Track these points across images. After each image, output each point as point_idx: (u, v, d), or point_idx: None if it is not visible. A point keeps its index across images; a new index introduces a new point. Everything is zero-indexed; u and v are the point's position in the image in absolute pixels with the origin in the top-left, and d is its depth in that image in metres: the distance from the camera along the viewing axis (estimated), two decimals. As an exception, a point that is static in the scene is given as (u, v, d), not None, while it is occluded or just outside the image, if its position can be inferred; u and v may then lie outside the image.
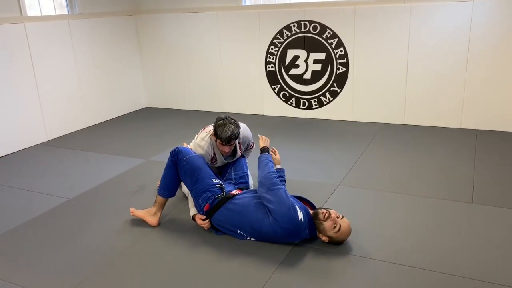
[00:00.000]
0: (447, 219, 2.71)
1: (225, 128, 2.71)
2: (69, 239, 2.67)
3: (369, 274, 2.21)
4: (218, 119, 2.78)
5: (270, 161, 2.68)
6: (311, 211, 2.48)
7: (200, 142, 2.91)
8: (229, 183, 2.83)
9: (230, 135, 2.70)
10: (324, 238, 2.41)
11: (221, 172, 3.04)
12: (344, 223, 2.39)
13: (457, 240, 2.48)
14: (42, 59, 4.59)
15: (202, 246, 2.52)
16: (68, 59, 4.89)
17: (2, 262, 2.46)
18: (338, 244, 2.44)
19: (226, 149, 2.80)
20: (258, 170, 2.65)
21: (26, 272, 2.36)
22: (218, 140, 2.78)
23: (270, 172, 2.54)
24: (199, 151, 2.87)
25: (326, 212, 2.39)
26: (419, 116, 4.58)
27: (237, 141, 2.91)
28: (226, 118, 2.75)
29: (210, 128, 2.97)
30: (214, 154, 2.92)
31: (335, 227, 2.36)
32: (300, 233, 2.41)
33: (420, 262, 2.27)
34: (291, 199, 2.45)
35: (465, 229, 2.59)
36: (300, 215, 2.38)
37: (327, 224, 2.37)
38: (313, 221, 2.43)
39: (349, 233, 2.43)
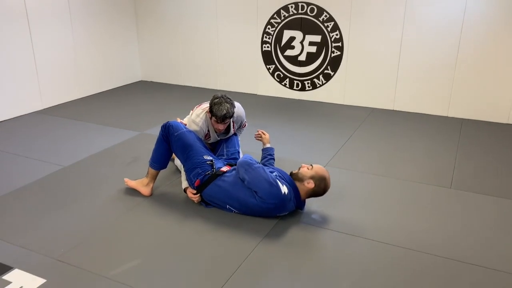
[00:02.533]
0: (425, 202, 2.86)
1: (220, 107, 2.80)
2: (64, 205, 2.79)
3: (348, 249, 2.36)
4: (214, 97, 2.86)
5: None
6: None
7: (195, 118, 3.00)
8: (220, 159, 2.95)
9: (225, 114, 2.80)
10: (309, 184, 2.55)
11: (214, 148, 3.15)
12: (314, 165, 2.62)
13: (432, 221, 2.63)
14: (40, 29, 4.61)
15: (191, 217, 2.65)
16: (66, 29, 4.91)
17: (1, 223, 2.57)
18: (324, 188, 2.58)
19: (220, 126, 2.90)
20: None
21: (23, 233, 2.47)
22: (213, 118, 2.87)
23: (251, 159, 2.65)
24: (194, 127, 2.96)
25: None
26: (409, 102, 4.70)
27: (231, 119, 3.01)
28: (222, 97, 2.84)
29: (205, 105, 3.06)
30: (208, 131, 3.02)
31: (308, 168, 2.59)
32: (286, 205, 2.54)
33: (396, 240, 2.42)
34: (272, 174, 2.56)
35: (441, 212, 2.74)
36: (284, 189, 2.50)
37: (302, 170, 2.60)
38: (298, 191, 2.57)
39: (324, 169, 2.60)
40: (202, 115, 2.99)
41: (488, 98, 4.36)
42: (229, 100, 2.86)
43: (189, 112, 3.24)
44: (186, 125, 3.08)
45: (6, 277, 2.11)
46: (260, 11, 5.06)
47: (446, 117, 4.55)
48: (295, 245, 2.40)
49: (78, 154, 3.58)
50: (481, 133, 4.11)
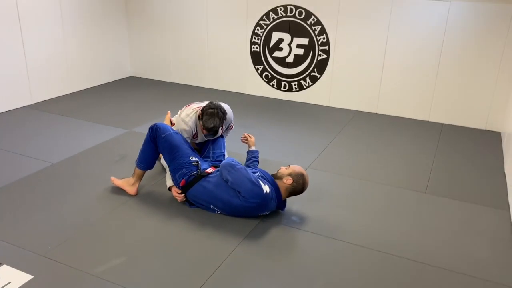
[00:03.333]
0: (399, 206, 2.99)
1: (211, 119, 2.89)
2: (52, 202, 2.87)
3: (324, 251, 2.48)
4: (209, 106, 2.93)
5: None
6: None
7: (185, 117, 3.09)
8: (206, 160, 3.05)
9: (212, 127, 2.90)
10: (287, 181, 2.69)
11: (200, 149, 3.25)
12: (291, 165, 2.79)
13: (404, 225, 2.76)
14: (30, 23, 4.65)
15: (175, 217, 2.75)
16: (56, 25, 4.95)
17: (-12, 219, 2.66)
18: (303, 184, 2.73)
19: (205, 132, 3.00)
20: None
21: (11, 229, 2.56)
22: (201, 123, 2.96)
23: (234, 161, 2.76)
24: (183, 126, 3.05)
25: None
26: (391, 106, 4.84)
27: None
28: (216, 109, 2.91)
29: (195, 106, 3.14)
30: (197, 131, 3.12)
31: (286, 168, 2.75)
32: (268, 204, 2.65)
33: (369, 243, 2.55)
34: (254, 174, 2.67)
35: (414, 216, 2.87)
36: (266, 188, 2.61)
37: (281, 169, 2.77)
38: (279, 190, 2.69)
39: (300, 167, 2.77)
40: (192, 115, 3.08)
41: (467, 103, 4.51)
42: (221, 114, 2.93)
43: (178, 112, 3.33)
44: (175, 123, 3.18)
45: (-5, 272, 2.20)
46: (250, 12, 5.15)
47: (427, 122, 4.70)
48: (274, 246, 2.51)
49: (66, 151, 3.65)
50: (460, 139, 4.25)
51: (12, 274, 2.19)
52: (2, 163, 3.42)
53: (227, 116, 3.12)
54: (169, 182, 2.94)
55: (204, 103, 3.09)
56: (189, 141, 3.08)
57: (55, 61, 5.03)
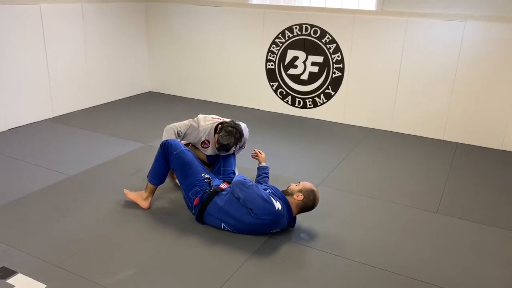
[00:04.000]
0: (411, 226, 2.98)
1: (227, 137, 2.99)
2: (67, 213, 2.96)
3: (332, 270, 2.49)
4: (230, 125, 3.04)
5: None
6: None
7: (202, 120, 3.17)
8: (217, 177, 3.08)
9: (225, 144, 2.99)
10: (298, 197, 2.72)
11: (211, 164, 3.31)
12: (301, 182, 2.82)
13: (414, 246, 2.75)
14: (54, 39, 4.83)
15: (185, 231, 2.79)
16: (79, 40, 5.13)
17: (8, 229, 2.75)
18: (313, 200, 2.75)
19: (217, 145, 3.07)
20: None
21: (28, 239, 2.65)
22: (216, 137, 3.04)
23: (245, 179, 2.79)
24: (192, 123, 3.13)
25: None
26: (406, 124, 4.83)
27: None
28: (236, 130, 3.02)
29: (216, 119, 3.22)
30: (208, 141, 3.18)
31: (297, 185, 2.78)
32: (280, 221, 2.66)
33: (378, 262, 2.55)
34: (265, 191, 2.70)
35: (424, 236, 2.86)
36: (277, 205, 2.63)
37: (292, 185, 2.80)
38: (290, 206, 2.72)
39: (310, 184, 2.80)
40: (209, 124, 3.15)
41: (483, 123, 4.48)
42: (238, 135, 3.03)
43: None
44: (182, 126, 3.19)
45: (10, 281, 2.28)
46: (266, 31, 5.24)
47: (442, 141, 4.67)
48: (282, 263, 2.53)
49: (84, 163, 3.75)
50: (474, 159, 4.22)
51: (26, 283, 2.27)
52: (21, 175, 3.54)
53: (243, 135, 3.20)
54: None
55: (225, 119, 3.18)
56: (178, 139, 3.09)
57: (76, 76, 5.19)
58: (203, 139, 3.18)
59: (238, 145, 3.23)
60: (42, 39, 4.71)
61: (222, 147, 3.00)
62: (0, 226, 2.78)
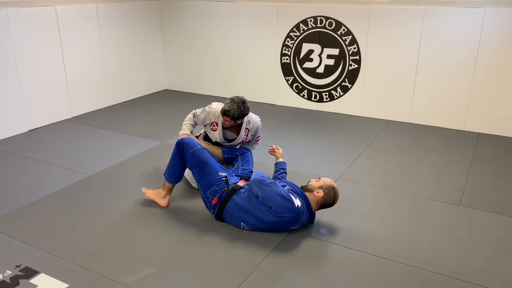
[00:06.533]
0: (433, 219, 2.91)
1: (229, 104, 3.04)
2: (87, 213, 2.98)
3: (354, 265, 2.46)
4: (236, 96, 3.09)
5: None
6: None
7: (215, 105, 3.27)
8: (234, 175, 3.06)
9: (227, 110, 3.01)
10: (318, 193, 2.68)
11: (230, 163, 3.30)
12: (322, 177, 2.79)
13: (437, 239, 2.69)
14: (70, 40, 4.88)
15: (204, 229, 2.79)
16: (94, 40, 5.17)
17: (30, 230, 2.79)
18: (334, 197, 2.71)
19: (226, 122, 3.10)
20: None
21: (49, 239, 2.68)
22: (221, 110, 3.09)
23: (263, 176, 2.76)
24: (206, 108, 3.26)
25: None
26: (425, 115, 4.74)
27: (245, 124, 3.17)
28: (240, 100, 3.05)
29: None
30: (217, 123, 3.22)
31: (317, 181, 2.75)
32: (300, 218, 2.63)
33: (400, 257, 2.50)
34: (284, 188, 2.66)
35: (446, 229, 2.80)
36: (297, 202, 2.60)
37: (312, 181, 2.76)
38: (309, 203, 2.69)
39: (331, 180, 2.76)
40: (220, 108, 3.21)
41: (505, 112, 4.36)
42: (241, 105, 3.03)
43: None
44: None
45: (33, 280, 2.31)
46: (280, 24, 5.19)
47: (463, 131, 4.57)
48: (302, 259, 2.51)
49: (102, 163, 3.78)
50: (497, 149, 4.11)
51: (48, 283, 2.29)
52: (41, 175, 3.58)
53: (252, 122, 3.24)
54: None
55: None
56: (194, 122, 3.35)
57: (92, 76, 5.23)
58: (212, 120, 3.25)
59: (248, 128, 3.24)
60: (58, 41, 4.76)
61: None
62: (22, 227, 2.82)
